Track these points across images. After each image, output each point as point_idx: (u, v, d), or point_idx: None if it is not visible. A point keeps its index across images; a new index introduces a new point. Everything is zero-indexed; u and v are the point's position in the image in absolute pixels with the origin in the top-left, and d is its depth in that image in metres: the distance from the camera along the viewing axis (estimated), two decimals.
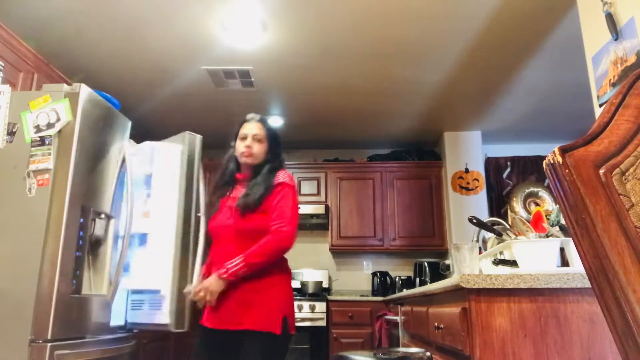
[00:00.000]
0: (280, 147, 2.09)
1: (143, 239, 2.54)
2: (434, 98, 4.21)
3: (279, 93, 4.12)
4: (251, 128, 2.04)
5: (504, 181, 5.24)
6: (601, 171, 0.65)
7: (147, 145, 2.65)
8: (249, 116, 2.11)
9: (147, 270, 2.46)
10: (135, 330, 2.65)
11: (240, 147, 2.02)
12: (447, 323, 1.66)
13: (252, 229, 1.88)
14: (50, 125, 2.14)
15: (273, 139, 2.07)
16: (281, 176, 1.95)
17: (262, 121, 2.09)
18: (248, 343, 1.78)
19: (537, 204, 4.65)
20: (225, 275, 1.79)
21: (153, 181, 2.56)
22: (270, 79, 3.83)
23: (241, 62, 3.55)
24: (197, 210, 2.50)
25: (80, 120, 2.19)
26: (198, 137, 2.59)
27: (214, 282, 1.81)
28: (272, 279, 1.87)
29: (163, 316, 2.32)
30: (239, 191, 1.99)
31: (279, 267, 1.91)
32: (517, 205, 4.82)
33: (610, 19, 2.05)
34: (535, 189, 4.92)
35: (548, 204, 4.64)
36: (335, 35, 3.21)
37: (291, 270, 2.01)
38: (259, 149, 2.01)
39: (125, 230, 2.44)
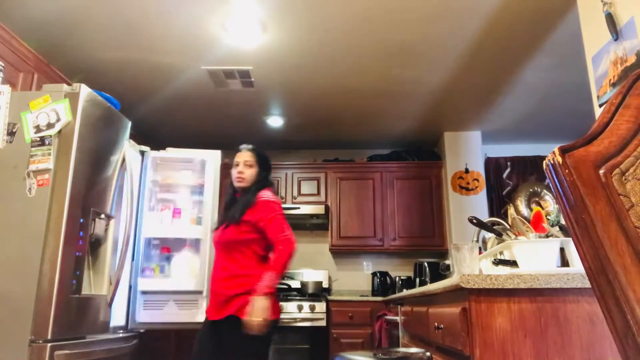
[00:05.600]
0: (269, 170, 2.40)
1: (195, 244, 2.86)
2: (434, 98, 4.21)
3: (279, 93, 4.11)
4: (243, 156, 2.35)
5: (504, 181, 5.24)
6: (601, 171, 0.65)
7: (195, 154, 2.91)
8: (242, 146, 2.41)
9: (193, 273, 2.75)
10: (142, 330, 2.68)
11: (233, 173, 2.34)
12: (447, 323, 1.66)
13: (228, 239, 2.19)
14: (50, 125, 2.14)
15: (262, 163, 2.37)
16: (263, 193, 2.25)
17: (253, 149, 2.39)
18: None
19: (539, 204, 4.65)
20: (266, 290, 2.07)
21: (205, 191, 2.91)
22: (270, 79, 3.82)
23: (241, 62, 3.55)
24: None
25: (80, 120, 2.20)
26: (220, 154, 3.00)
27: (259, 302, 2.05)
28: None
29: (201, 315, 2.61)
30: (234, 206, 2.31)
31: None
32: (521, 204, 4.81)
33: (610, 19, 2.05)
34: (539, 189, 4.91)
35: (550, 204, 4.64)
36: (335, 36, 3.21)
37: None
38: (249, 173, 2.31)
39: (126, 231, 2.45)
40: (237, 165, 2.33)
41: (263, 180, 2.34)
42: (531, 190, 4.91)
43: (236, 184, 2.32)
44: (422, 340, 2.29)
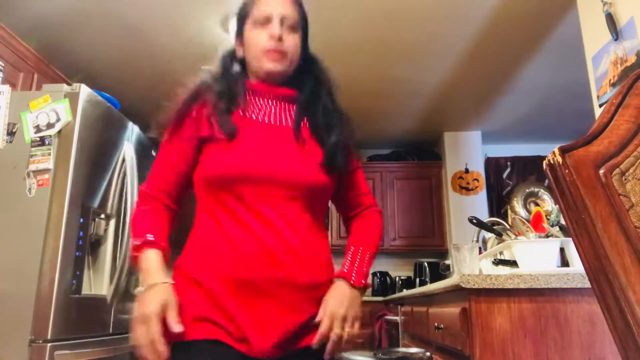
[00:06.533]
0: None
1: None
2: (434, 98, 4.21)
3: None
4: (278, 6, 1.09)
5: (504, 181, 5.24)
6: (601, 171, 0.65)
7: None
8: None
9: None
10: None
11: (260, 38, 1.08)
12: (447, 323, 1.66)
13: (324, 184, 1.10)
14: (50, 125, 2.14)
15: (306, 29, 1.18)
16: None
17: None
18: None
19: (537, 204, 4.65)
20: (364, 282, 1.09)
21: None
22: None
23: None
24: None
25: (80, 120, 2.19)
26: None
27: (355, 300, 1.05)
28: None
29: None
30: (275, 114, 1.14)
31: None
32: (518, 205, 4.82)
33: (610, 19, 2.05)
34: (536, 189, 4.91)
35: (548, 204, 4.64)
36: (335, 36, 3.21)
37: None
38: (294, 44, 1.11)
39: (126, 231, 2.45)
40: (269, 21, 1.08)
41: (315, 64, 1.26)
42: (528, 190, 4.92)
43: (268, 64, 1.08)
44: (422, 340, 2.29)
